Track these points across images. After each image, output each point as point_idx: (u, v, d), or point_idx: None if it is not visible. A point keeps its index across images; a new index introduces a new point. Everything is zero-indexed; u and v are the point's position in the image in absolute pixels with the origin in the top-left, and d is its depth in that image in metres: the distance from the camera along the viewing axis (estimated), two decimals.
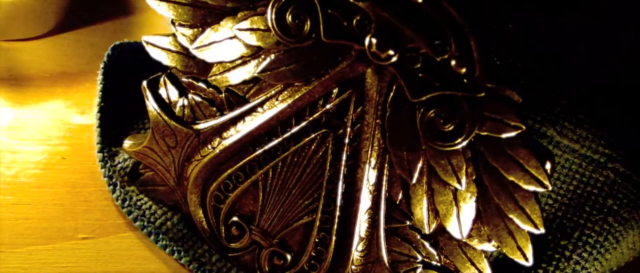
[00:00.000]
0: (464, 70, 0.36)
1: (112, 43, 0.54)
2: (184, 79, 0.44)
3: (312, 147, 0.43)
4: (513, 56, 0.48)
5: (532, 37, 0.50)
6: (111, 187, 0.48)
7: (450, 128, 0.38)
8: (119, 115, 0.52)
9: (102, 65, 0.53)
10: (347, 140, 0.42)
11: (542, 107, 0.49)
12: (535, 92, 0.49)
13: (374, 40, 0.38)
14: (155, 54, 0.44)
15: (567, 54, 0.52)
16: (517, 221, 0.38)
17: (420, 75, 0.38)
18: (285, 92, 0.42)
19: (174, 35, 0.43)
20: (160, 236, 0.46)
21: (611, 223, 0.47)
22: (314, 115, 0.42)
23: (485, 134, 0.37)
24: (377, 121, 0.40)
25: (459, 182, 0.39)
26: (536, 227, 0.38)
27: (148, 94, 0.45)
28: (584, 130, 0.48)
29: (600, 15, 0.54)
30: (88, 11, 0.64)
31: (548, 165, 0.38)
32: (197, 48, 0.42)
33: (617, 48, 0.53)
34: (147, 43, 0.44)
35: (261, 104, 0.43)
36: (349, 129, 0.42)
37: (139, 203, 0.48)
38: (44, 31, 0.61)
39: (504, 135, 0.37)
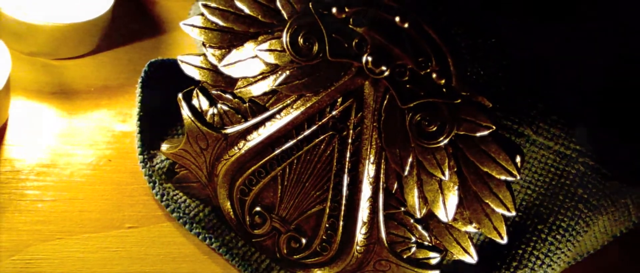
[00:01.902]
0: (443, 81, 0.43)
1: (148, 60, 0.57)
2: (214, 92, 0.49)
3: (322, 147, 0.48)
4: (495, 66, 0.53)
5: (514, 45, 0.53)
6: (151, 184, 0.52)
7: (434, 129, 0.44)
8: (155, 123, 0.56)
9: (140, 80, 0.56)
10: (350, 141, 0.47)
11: (520, 110, 0.53)
12: (515, 97, 0.53)
13: (369, 59, 0.44)
14: (189, 70, 0.49)
15: (544, 61, 0.55)
16: (492, 205, 0.44)
17: (407, 86, 0.44)
18: (299, 102, 0.47)
19: (204, 55, 0.48)
20: (194, 225, 0.51)
21: (581, 210, 0.51)
22: (323, 120, 0.47)
23: (462, 133, 0.43)
24: (374, 124, 0.46)
25: (443, 173, 0.44)
26: (508, 210, 0.44)
27: (183, 104, 0.50)
28: (557, 129, 0.52)
29: (576, 23, 0.58)
30: (125, 32, 0.66)
31: (518, 159, 0.44)
32: (225, 66, 0.48)
33: (588, 53, 0.57)
34: (182, 61, 0.49)
35: (279, 112, 0.48)
36: (351, 131, 0.47)
37: (175, 197, 0.52)
38: (88, 51, 0.63)
39: (478, 134, 0.43)
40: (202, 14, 0.47)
